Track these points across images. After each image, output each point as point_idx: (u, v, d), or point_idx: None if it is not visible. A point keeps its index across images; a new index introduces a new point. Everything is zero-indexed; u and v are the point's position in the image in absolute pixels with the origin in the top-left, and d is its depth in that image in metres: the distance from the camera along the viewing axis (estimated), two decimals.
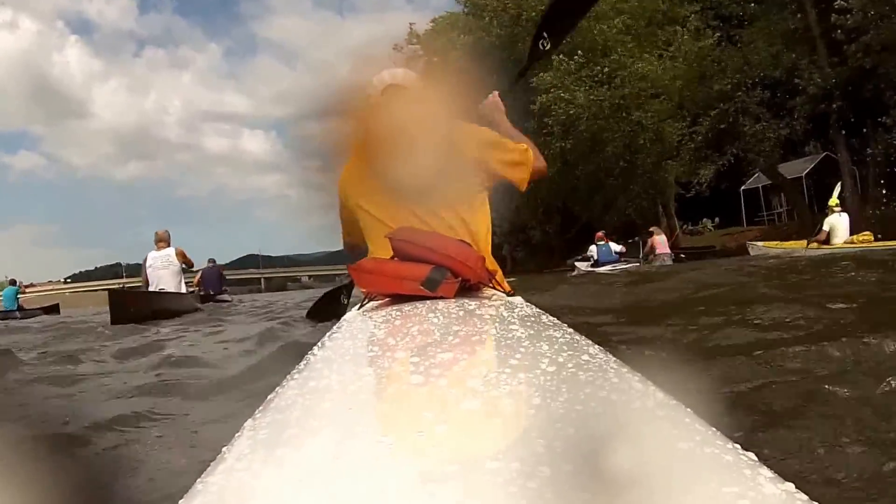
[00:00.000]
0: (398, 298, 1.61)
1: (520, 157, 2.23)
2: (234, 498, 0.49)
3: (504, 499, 0.44)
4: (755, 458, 0.51)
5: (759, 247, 16.91)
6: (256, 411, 0.73)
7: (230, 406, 2.65)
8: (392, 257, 1.71)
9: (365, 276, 1.69)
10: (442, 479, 0.46)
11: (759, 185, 35.05)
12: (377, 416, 0.69)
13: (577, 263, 19.87)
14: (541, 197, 31.55)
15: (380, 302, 1.70)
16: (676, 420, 0.60)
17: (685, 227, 35.11)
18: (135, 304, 9.78)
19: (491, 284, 1.77)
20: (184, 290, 11.45)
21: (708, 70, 26.18)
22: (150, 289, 10.96)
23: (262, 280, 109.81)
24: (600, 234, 18.97)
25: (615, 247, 18.27)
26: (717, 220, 36.71)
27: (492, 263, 1.98)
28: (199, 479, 0.53)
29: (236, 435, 0.65)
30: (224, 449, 0.61)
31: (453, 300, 1.51)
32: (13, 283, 22.25)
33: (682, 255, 18.18)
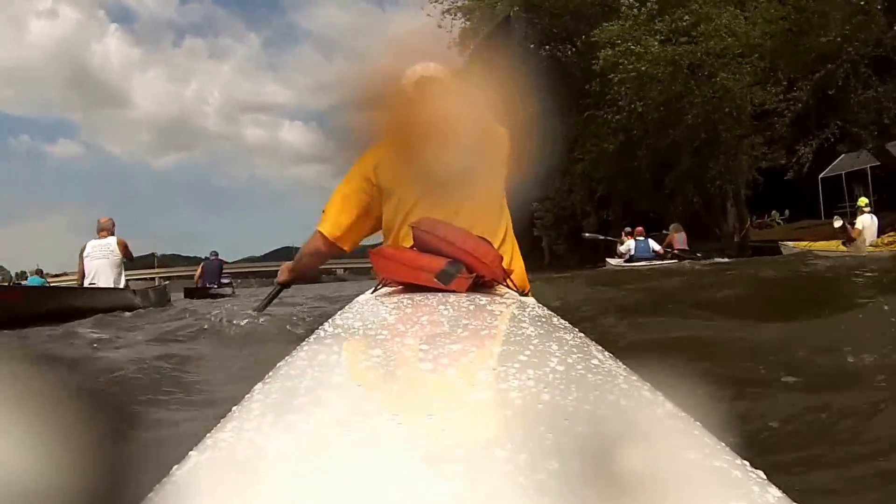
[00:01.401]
0: (411, 287, 1.63)
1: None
2: (244, 455, 0.49)
3: (512, 487, 0.44)
4: (763, 477, 0.51)
5: (789, 246, 15.78)
6: (266, 376, 0.73)
7: None
8: (411, 246, 1.73)
9: (383, 261, 1.71)
10: (451, 462, 0.47)
11: (842, 172, 29.55)
12: (386, 395, 0.69)
13: (608, 260, 18.67)
14: (597, 178, 27.05)
15: (393, 289, 1.71)
16: (685, 431, 0.59)
17: (752, 220, 28.87)
18: (16, 301, 7.60)
19: (505, 283, 1.78)
20: (122, 284, 9.90)
21: (809, 21, 20.17)
22: (85, 282, 9.51)
23: None
24: (640, 229, 17.75)
25: (654, 245, 17.07)
26: (786, 212, 30.47)
27: (516, 262, 2.01)
28: (208, 435, 0.54)
29: (246, 396, 0.65)
30: (234, 408, 0.61)
31: (465, 294, 1.52)
32: (39, 273, 21.00)
33: (699, 255, 16.73)
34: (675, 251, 16.63)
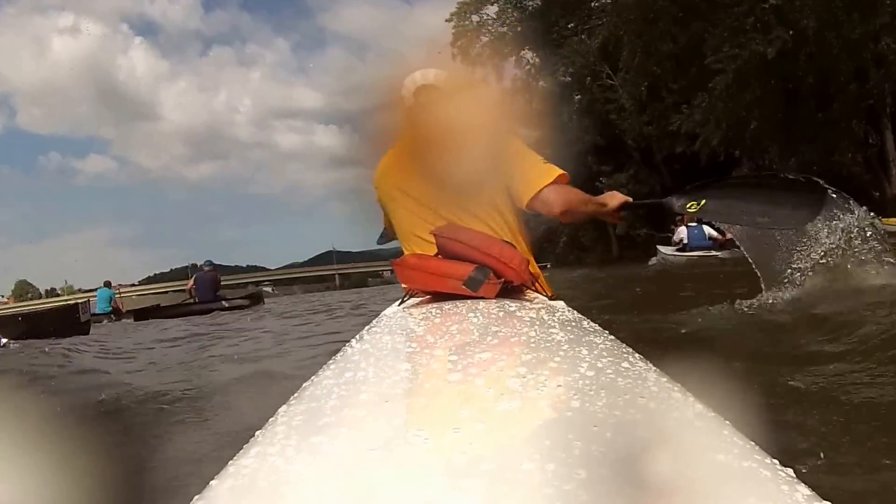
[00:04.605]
0: (439, 296, 1.62)
1: (538, 175, 2.04)
2: (266, 482, 0.49)
3: (539, 499, 0.43)
4: (793, 475, 0.50)
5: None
6: (291, 398, 0.73)
7: None
8: (436, 254, 1.72)
9: (408, 271, 1.70)
10: (477, 476, 0.46)
11: None
12: (413, 410, 0.69)
13: (659, 248, 16.69)
14: (746, 103, 17.92)
15: (420, 299, 1.71)
16: (715, 432, 0.59)
17: None
18: None
19: (533, 287, 1.76)
20: None
21: None
22: None
23: (337, 277, 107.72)
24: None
25: (710, 231, 14.76)
26: None
27: (534, 266, 1.97)
28: (230, 462, 0.54)
29: (270, 420, 0.65)
30: (257, 433, 0.61)
31: (494, 301, 1.51)
32: (108, 285, 18.99)
33: None
34: (728, 239, 14.00)
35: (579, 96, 27.13)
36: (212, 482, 0.50)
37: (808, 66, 16.51)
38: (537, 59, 29.07)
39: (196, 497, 0.48)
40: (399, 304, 1.74)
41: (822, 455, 1.55)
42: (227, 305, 15.61)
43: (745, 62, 17.00)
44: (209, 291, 16.24)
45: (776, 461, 0.52)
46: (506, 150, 2.09)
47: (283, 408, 0.69)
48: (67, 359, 5.36)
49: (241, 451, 0.56)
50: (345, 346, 1.09)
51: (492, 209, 2.05)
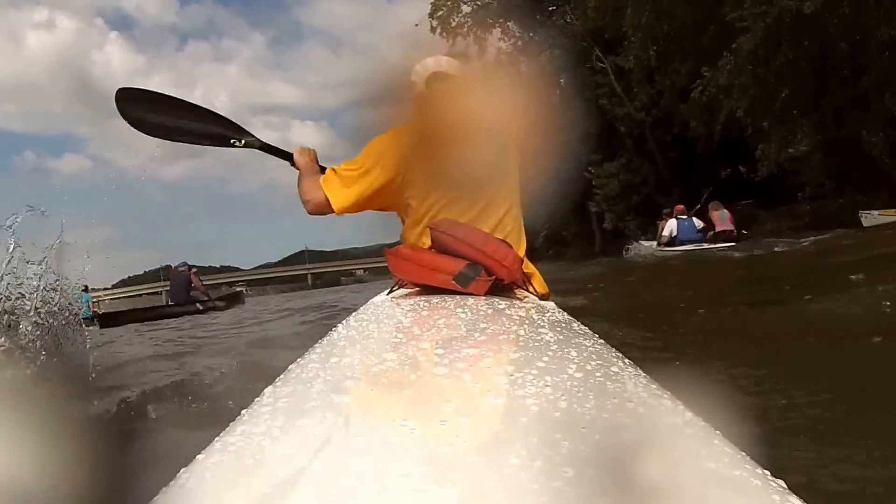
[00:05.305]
0: (428, 289, 1.61)
1: None
2: (252, 460, 0.49)
3: (526, 495, 0.43)
4: (784, 486, 0.50)
5: (874, 216, 12.43)
6: (276, 379, 0.73)
7: None
8: (430, 247, 1.71)
9: (400, 262, 1.69)
10: (462, 469, 0.46)
11: None
12: (399, 400, 0.69)
13: (642, 243, 15.84)
14: (775, 66, 14.90)
15: (409, 290, 1.70)
16: (705, 440, 0.58)
17: None
18: None
19: (525, 286, 1.76)
20: None
21: None
22: None
23: (309, 276, 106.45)
24: (681, 207, 14.48)
25: (699, 223, 14.02)
26: None
27: (527, 265, 1.95)
28: (217, 438, 0.53)
29: (255, 400, 0.65)
30: (243, 412, 0.61)
31: (483, 298, 1.51)
32: (85, 289, 18.06)
33: (744, 231, 13.79)
34: (717, 232, 13.68)
35: (563, 80, 25.78)
36: (198, 456, 0.50)
37: (842, 30, 13.96)
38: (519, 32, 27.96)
39: (182, 469, 0.48)
40: (388, 294, 1.73)
41: (814, 466, 1.55)
42: (201, 308, 14.80)
43: (774, 20, 14.31)
44: (182, 292, 15.40)
45: (767, 472, 0.52)
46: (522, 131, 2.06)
47: (269, 389, 0.68)
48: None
49: (227, 429, 0.56)
50: (330, 330, 1.08)
51: (498, 202, 2.00)
